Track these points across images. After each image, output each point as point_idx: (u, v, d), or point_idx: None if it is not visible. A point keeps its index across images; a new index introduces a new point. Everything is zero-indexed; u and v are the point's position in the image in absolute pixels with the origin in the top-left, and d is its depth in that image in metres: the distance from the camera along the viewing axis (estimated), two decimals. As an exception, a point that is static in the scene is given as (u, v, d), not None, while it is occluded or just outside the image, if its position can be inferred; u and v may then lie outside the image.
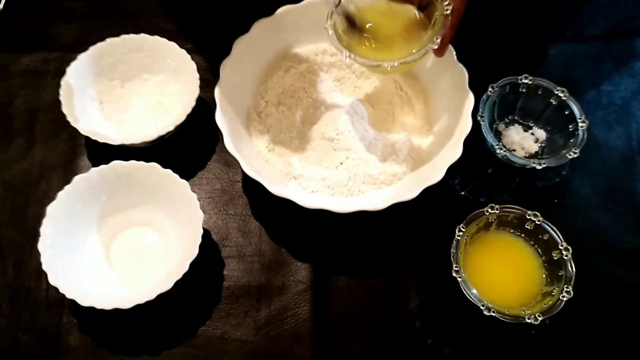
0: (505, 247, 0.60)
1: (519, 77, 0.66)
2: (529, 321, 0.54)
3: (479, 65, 0.64)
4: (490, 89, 0.65)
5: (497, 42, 0.74)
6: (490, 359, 0.58)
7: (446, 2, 0.56)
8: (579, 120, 0.64)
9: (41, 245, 0.57)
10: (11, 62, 0.73)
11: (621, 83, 0.72)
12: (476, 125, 0.62)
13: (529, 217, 0.59)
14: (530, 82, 0.66)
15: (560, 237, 0.58)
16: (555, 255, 0.58)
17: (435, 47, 0.56)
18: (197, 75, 0.66)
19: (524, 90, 0.67)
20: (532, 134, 0.68)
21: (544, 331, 0.58)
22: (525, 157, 0.66)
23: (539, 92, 0.66)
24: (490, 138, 0.64)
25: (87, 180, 0.61)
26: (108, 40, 0.68)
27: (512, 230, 0.61)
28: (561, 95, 0.65)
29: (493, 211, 0.59)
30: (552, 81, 0.66)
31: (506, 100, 0.67)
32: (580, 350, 0.59)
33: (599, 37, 0.75)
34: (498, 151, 0.64)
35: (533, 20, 0.76)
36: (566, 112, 0.65)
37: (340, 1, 0.59)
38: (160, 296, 0.55)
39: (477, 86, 0.63)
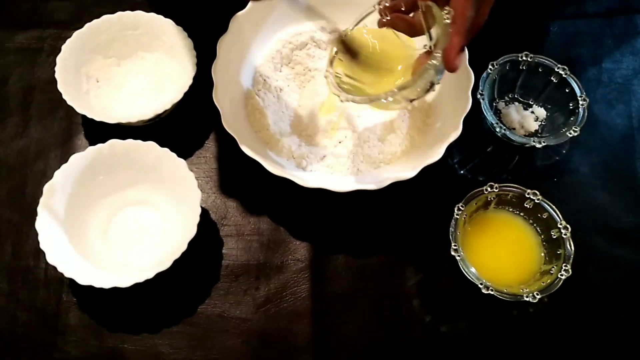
0: (504, 226, 0.60)
1: (520, 55, 0.65)
2: (527, 299, 0.54)
3: (479, 42, 0.63)
4: (490, 67, 0.65)
5: (497, 19, 0.73)
6: (488, 337, 0.59)
7: (445, 11, 0.50)
8: (580, 99, 0.63)
9: (39, 224, 0.56)
10: (5, 39, 0.72)
11: (622, 61, 0.72)
12: (476, 103, 0.62)
13: (528, 196, 0.59)
14: (530, 60, 0.65)
15: (560, 215, 0.58)
16: (554, 234, 0.58)
17: (436, 62, 0.49)
18: (194, 53, 0.65)
19: (524, 68, 0.66)
20: (532, 112, 0.68)
21: (542, 309, 0.59)
22: (525, 135, 0.66)
23: (540, 70, 0.66)
24: (490, 116, 0.63)
25: (84, 159, 0.60)
26: (103, 17, 0.67)
27: (511, 209, 0.60)
28: (562, 73, 0.65)
29: (492, 190, 0.59)
30: (552, 59, 0.65)
31: (506, 78, 0.67)
32: (578, 328, 0.59)
33: (600, 14, 0.75)
34: (498, 130, 0.63)
35: (534, -3, 0.75)
36: (567, 90, 0.64)
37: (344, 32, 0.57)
38: (159, 275, 0.55)
39: (477, 64, 0.63)
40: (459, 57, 0.49)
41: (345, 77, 0.58)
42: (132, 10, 0.68)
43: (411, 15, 0.54)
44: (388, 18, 0.55)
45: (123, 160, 0.61)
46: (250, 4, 0.66)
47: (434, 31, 0.52)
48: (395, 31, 0.56)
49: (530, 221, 0.60)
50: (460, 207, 0.58)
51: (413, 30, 0.54)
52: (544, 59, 0.65)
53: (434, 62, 0.49)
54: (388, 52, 0.58)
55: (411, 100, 0.53)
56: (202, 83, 0.65)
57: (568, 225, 0.57)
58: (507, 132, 0.63)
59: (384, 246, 0.62)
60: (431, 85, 0.52)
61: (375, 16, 0.56)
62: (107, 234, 0.61)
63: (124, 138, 0.61)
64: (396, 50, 0.57)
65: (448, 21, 0.49)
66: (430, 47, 0.53)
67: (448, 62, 0.49)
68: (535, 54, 0.65)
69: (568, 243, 0.57)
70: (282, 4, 0.65)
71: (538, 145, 0.62)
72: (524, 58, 0.65)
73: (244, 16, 0.65)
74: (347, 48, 0.58)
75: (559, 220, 0.58)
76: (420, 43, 0.55)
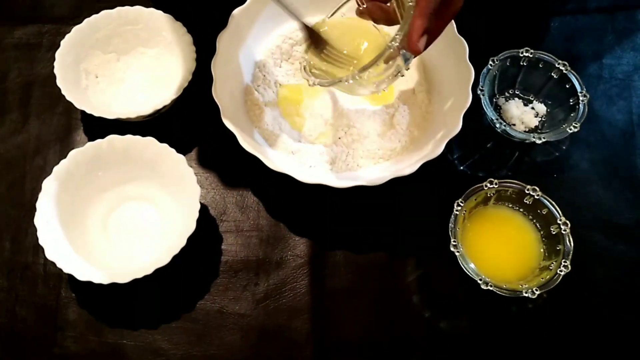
0: (504, 222, 0.60)
1: (520, 50, 0.65)
2: (527, 295, 0.54)
3: (480, 38, 0.63)
4: (490, 62, 0.64)
5: (498, 15, 0.73)
6: (488, 333, 0.59)
7: None
8: (580, 94, 0.63)
9: (38, 220, 0.56)
10: (4, 35, 0.72)
11: (623, 56, 0.72)
12: (476, 99, 0.62)
13: (527, 192, 0.59)
14: (531, 56, 0.65)
15: (559, 211, 0.58)
16: (553, 230, 0.58)
17: (396, 44, 0.48)
18: (194, 49, 0.65)
19: (524, 64, 0.66)
20: (532, 108, 0.67)
21: (541, 305, 0.59)
22: (525, 131, 0.66)
23: (540, 66, 0.65)
24: (490, 112, 0.63)
25: (83, 155, 0.60)
26: (102, 12, 0.67)
27: (510, 205, 0.60)
28: (562, 68, 0.64)
29: (492, 186, 0.59)
30: (553, 54, 0.65)
31: (507, 74, 0.66)
32: (577, 324, 0.59)
33: (601, 9, 0.74)
34: (498, 126, 0.63)
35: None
36: (567, 86, 0.64)
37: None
38: (158, 271, 0.55)
39: (477, 59, 0.62)
40: (421, 40, 0.48)
41: (319, 63, 0.58)
42: (132, 5, 0.68)
43: (388, 4, 0.54)
44: (365, 6, 0.55)
45: (122, 155, 0.61)
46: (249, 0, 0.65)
47: None
48: (373, 23, 0.56)
49: (530, 217, 0.60)
50: (460, 203, 0.58)
51: (389, 19, 0.54)
52: (544, 55, 0.65)
53: (393, 43, 0.49)
54: (361, 43, 0.58)
55: (379, 85, 0.53)
56: (202, 78, 0.65)
57: (567, 221, 0.57)
58: (507, 128, 0.63)
59: (383, 242, 0.62)
60: (398, 71, 0.52)
61: (353, 5, 0.56)
62: (106, 230, 0.61)
63: (123, 134, 0.61)
64: (371, 40, 0.57)
65: (412, 4, 0.48)
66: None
67: (409, 44, 0.48)
68: (535, 50, 0.65)
69: (567, 239, 0.56)
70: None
71: (538, 141, 0.62)
72: (525, 54, 0.65)
73: (243, 12, 0.65)
74: (314, 39, 0.58)
75: (558, 216, 0.57)
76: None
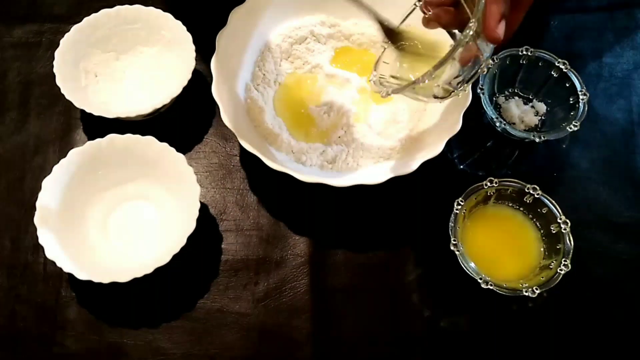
0: (504, 221, 0.60)
1: (520, 49, 0.65)
2: (527, 294, 0.54)
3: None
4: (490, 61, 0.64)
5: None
6: (488, 332, 0.59)
7: None
8: (580, 93, 0.63)
9: (37, 219, 0.56)
10: (3, 34, 0.72)
11: (623, 55, 0.72)
12: (476, 98, 0.62)
13: (527, 191, 0.59)
14: (530, 54, 0.65)
15: (559, 210, 0.58)
16: (553, 229, 0.58)
17: (471, 32, 0.45)
18: (193, 47, 0.65)
19: (524, 62, 0.66)
20: (532, 107, 0.67)
21: (541, 304, 0.59)
22: (525, 130, 0.66)
23: (540, 65, 0.65)
24: (490, 111, 0.63)
25: (83, 154, 0.60)
26: (102, 11, 0.67)
27: (510, 204, 0.60)
28: (562, 67, 0.64)
29: (492, 185, 0.59)
30: (553, 53, 0.65)
31: (506, 73, 0.66)
32: (577, 323, 0.59)
33: (601, 8, 0.74)
34: (497, 124, 0.63)
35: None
36: (567, 85, 0.64)
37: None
38: (158, 270, 0.55)
39: (477, 58, 0.62)
40: (499, 26, 0.46)
41: (390, 77, 0.57)
42: (131, 4, 0.68)
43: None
44: (431, 13, 0.53)
45: (122, 155, 0.61)
46: (249, -2, 0.65)
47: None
48: (443, 29, 0.54)
49: (530, 216, 0.60)
50: (460, 202, 0.58)
51: (459, 22, 0.52)
52: (544, 53, 0.65)
53: (467, 31, 0.46)
54: (434, 50, 0.56)
55: (458, 85, 0.50)
56: (201, 77, 0.64)
57: (567, 220, 0.57)
58: (507, 127, 0.63)
59: (383, 241, 0.62)
60: (478, 67, 0.49)
61: (418, 14, 0.55)
62: (106, 229, 0.61)
63: (122, 133, 0.61)
64: (444, 46, 0.55)
65: None
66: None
67: (487, 32, 0.46)
68: (535, 48, 0.65)
69: (567, 238, 0.56)
70: None
71: (538, 140, 0.62)
72: (524, 52, 0.65)
73: (243, 10, 0.65)
74: (395, 40, 0.56)
75: (558, 215, 0.57)
76: None
